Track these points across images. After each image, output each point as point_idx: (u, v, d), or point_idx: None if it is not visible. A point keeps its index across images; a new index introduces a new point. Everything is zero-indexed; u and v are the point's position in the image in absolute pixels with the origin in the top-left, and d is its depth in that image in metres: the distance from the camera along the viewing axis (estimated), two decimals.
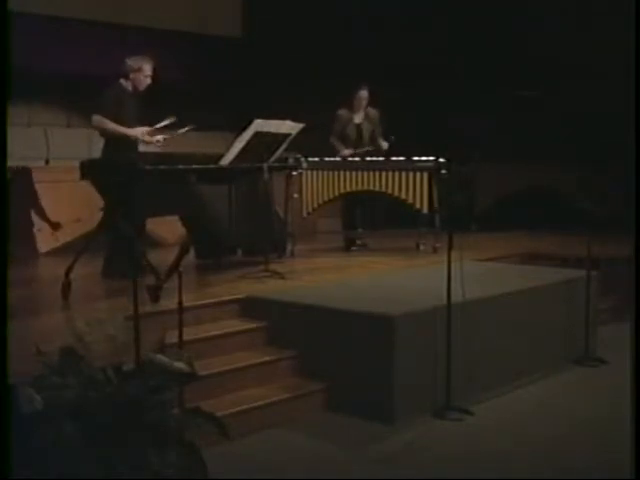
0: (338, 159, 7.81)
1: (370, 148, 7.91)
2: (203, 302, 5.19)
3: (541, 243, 8.33)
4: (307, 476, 3.96)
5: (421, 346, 4.84)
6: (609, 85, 8.40)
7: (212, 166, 6.01)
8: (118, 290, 5.26)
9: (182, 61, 9.69)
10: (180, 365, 3.30)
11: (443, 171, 7.46)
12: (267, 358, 4.95)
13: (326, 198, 7.71)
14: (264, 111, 6.09)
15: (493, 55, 9.75)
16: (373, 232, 8.56)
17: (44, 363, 3.18)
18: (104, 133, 5.99)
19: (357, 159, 7.78)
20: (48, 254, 7.72)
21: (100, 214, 5.83)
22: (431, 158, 7.48)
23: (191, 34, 9.96)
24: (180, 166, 5.87)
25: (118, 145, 5.93)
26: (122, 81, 6.12)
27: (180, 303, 3.96)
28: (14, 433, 2.86)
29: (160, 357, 3.34)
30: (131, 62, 6.08)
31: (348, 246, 8.13)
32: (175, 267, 4.11)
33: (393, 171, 7.53)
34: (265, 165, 6.14)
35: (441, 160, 7.47)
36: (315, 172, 7.64)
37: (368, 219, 8.41)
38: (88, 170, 5.77)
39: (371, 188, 7.61)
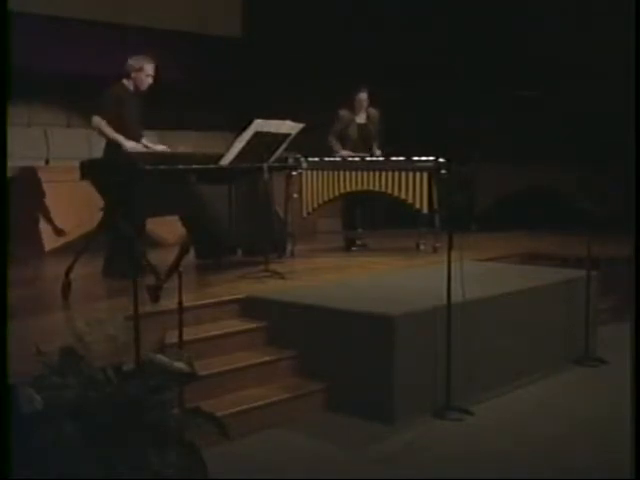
0: (338, 159, 7.81)
1: (368, 154, 7.91)
2: (203, 302, 5.19)
3: (541, 243, 8.33)
4: (307, 476, 3.96)
5: (421, 346, 4.84)
6: (609, 85, 8.40)
7: (212, 166, 6.01)
8: (118, 290, 5.26)
9: (182, 61, 9.68)
10: (180, 365, 3.30)
11: (443, 171, 7.47)
12: (267, 358, 4.95)
13: (326, 198, 7.71)
14: (264, 111, 6.09)
15: (493, 55, 9.75)
16: (373, 232, 8.56)
17: (44, 363, 3.18)
18: (102, 135, 6.01)
19: (357, 159, 7.79)
20: (53, 252, 7.70)
21: (100, 214, 5.83)
22: (431, 158, 7.48)
23: (191, 34, 9.96)
24: (180, 166, 5.87)
25: (120, 145, 5.93)
26: (124, 81, 6.12)
27: (180, 303, 3.96)
28: (14, 433, 2.86)
29: (160, 357, 3.34)
30: (133, 62, 6.09)
31: (348, 246, 8.13)
32: (175, 267, 4.11)
33: (393, 171, 7.53)
34: (265, 165, 6.14)
35: (441, 160, 7.47)
36: (315, 172, 7.64)
37: (368, 219, 8.41)
38: (88, 170, 5.77)
39: (371, 188, 7.61)
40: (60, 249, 7.64)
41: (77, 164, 5.82)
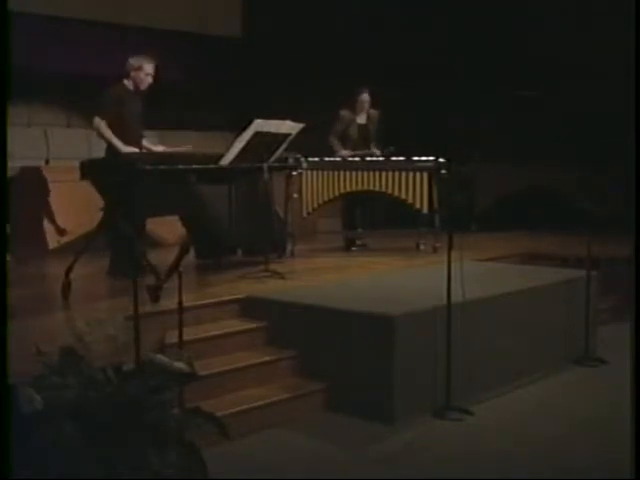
0: (338, 159, 7.81)
1: (369, 152, 7.91)
2: (203, 302, 5.19)
3: (541, 243, 8.33)
4: (307, 476, 3.96)
5: (421, 346, 4.84)
6: (609, 85, 8.40)
7: (212, 166, 6.00)
8: (118, 290, 5.26)
9: (182, 61, 9.69)
10: (180, 365, 3.30)
11: (443, 171, 7.47)
12: (267, 358, 4.95)
13: (326, 198, 7.71)
14: (264, 111, 6.09)
15: (493, 55, 9.74)
16: (373, 232, 8.57)
17: (44, 363, 3.18)
18: (101, 138, 6.01)
19: (357, 159, 7.79)
20: (57, 251, 7.70)
21: (100, 214, 5.83)
22: (431, 158, 7.48)
23: (191, 34, 9.96)
24: (180, 166, 5.87)
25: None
26: (124, 81, 6.13)
27: (180, 303, 3.96)
28: (14, 433, 2.86)
29: (160, 357, 3.34)
30: (132, 61, 6.09)
31: (348, 246, 8.13)
32: (175, 267, 4.11)
33: (393, 171, 7.53)
34: (265, 165, 6.14)
35: (441, 160, 7.47)
36: (315, 172, 7.64)
37: (368, 219, 8.42)
38: (88, 170, 5.77)
39: (371, 188, 7.61)
40: (63, 248, 7.63)
41: (77, 164, 5.82)
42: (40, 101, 9.18)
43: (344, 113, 7.99)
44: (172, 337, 4.32)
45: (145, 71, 6.09)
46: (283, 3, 10.09)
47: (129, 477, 2.96)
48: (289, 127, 6.15)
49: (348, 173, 7.62)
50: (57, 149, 9.10)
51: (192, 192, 6.12)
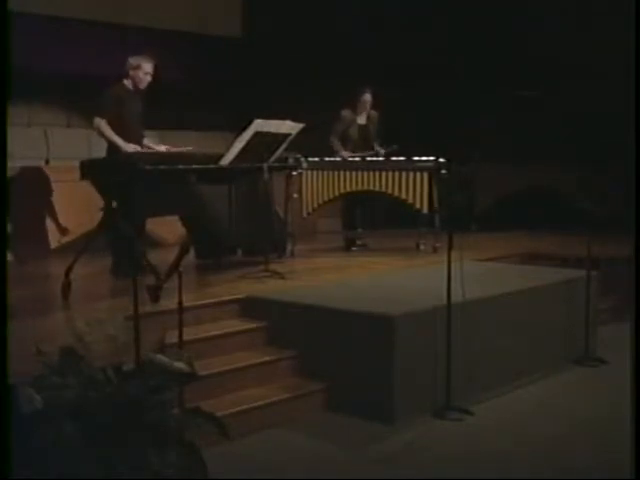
0: (338, 159, 7.81)
1: (369, 153, 7.91)
2: (203, 302, 5.18)
3: (541, 243, 8.33)
4: (307, 476, 3.96)
5: (421, 346, 4.84)
6: (609, 85, 8.40)
7: (212, 166, 6.00)
8: (118, 290, 5.26)
9: (182, 61, 9.69)
10: (180, 365, 3.30)
11: (443, 171, 7.47)
12: (267, 358, 4.95)
13: (326, 198, 7.71)
14: (264, 111, 6.09)
15: (493, 55, 9.74)
16: (373, 232, 8.57)
17: (44, 363, 3.18)
18: (102, 137, 6.01)
19: (357, 159, 7.79)
20: (58, 250, 7.69)
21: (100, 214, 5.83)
22: (431, 158, 7.49)
23: (191, 34, 9.96)
24: (180, 166, 5.87)
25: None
26: (124, 81, 6.13)
27: (180, 303, 3.96)
28: (14, 433, 2.86)
29: (160, 357, 3.34)
30: (131, 60, 6.10)
31: (348, 246, 8.13)
32: (175, 267, 4.12)
33: (393, 171, 7.53)
34: (265, 165, 6.14)
35: (441, 160, 7.47)
36: (315, 172, 7.64)
37: (368, 219, 8.42)
38: (88, 170, 5.76)
39: (371, 188, 7.61)
40: (64, 248, 7.63)
41: (77, 164, 5.82)
42: (40, 101, 9.18)
43: (345, 113, 7.98)
44: (172, 337, 4.32)
45: (144, 70, 6.09)
46: (283, 3, 10.09)
47: (129, 477, 2.96)
48: (289, 127, 6.15)
49: (348, 173, 7.62)
50: (57, 149, 9.10)
51: (192, 192, 6.12)
